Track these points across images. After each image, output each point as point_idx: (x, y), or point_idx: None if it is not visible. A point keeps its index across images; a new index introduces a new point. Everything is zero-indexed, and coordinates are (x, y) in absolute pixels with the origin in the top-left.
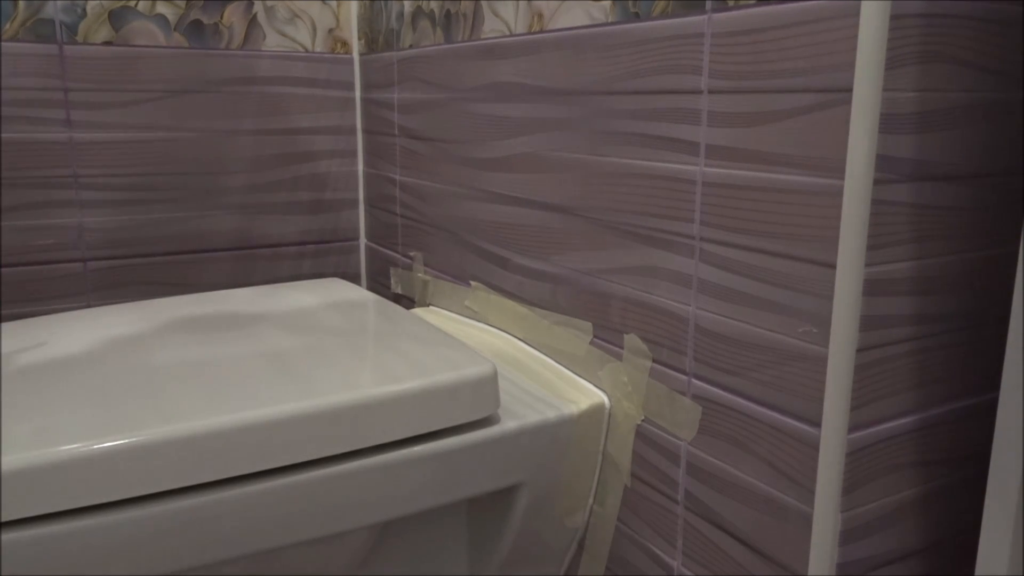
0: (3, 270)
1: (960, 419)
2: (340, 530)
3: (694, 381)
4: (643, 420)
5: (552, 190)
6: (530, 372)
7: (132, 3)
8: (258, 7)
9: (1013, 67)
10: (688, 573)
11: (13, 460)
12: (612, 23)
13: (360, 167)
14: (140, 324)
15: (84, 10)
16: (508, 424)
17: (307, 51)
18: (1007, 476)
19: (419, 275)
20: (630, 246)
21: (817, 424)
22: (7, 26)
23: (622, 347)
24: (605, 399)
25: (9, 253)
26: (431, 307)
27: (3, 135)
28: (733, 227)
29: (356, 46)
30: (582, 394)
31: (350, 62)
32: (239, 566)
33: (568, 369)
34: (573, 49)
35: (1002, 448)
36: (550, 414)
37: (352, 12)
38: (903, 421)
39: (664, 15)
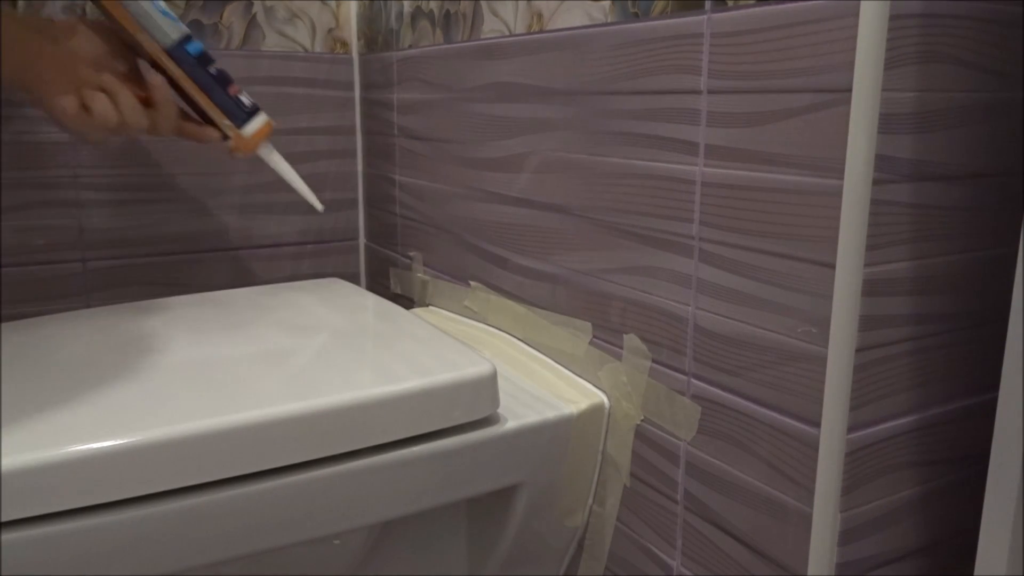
0: (3, 270)
1: (960, 419)
2: (340, 530)
3: (693, 381)
4: (642, 420)
5: (552, 190)
6: (530, 372)
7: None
8: (257, 7)
9: (1013, 67)
10: (687, 573)
11: (13, 460)
12: (611, 23)
13: (359, 167)
14: (140, 324)
15: (83, 10)
16: (508, 424)
17: (306, 51)
18: (1006, 476)
19: (418, 275)
20: (630, 246)
21: (816, 424)
22: None
23: (621, 347)
24: (604, 399)
25: (9, 253)
26: (431, 307)
27: (3, 135)
28: (732, 227)
29: (355, 46)
30: (581, 394)
31: (349, 62)
32: (239, 566)
33: (567, 369)
34: (573, 49)
35: (1001, 448)
36: (550, 414)
37: (352, 12)
38: (902, 421)
39: (663, 15)
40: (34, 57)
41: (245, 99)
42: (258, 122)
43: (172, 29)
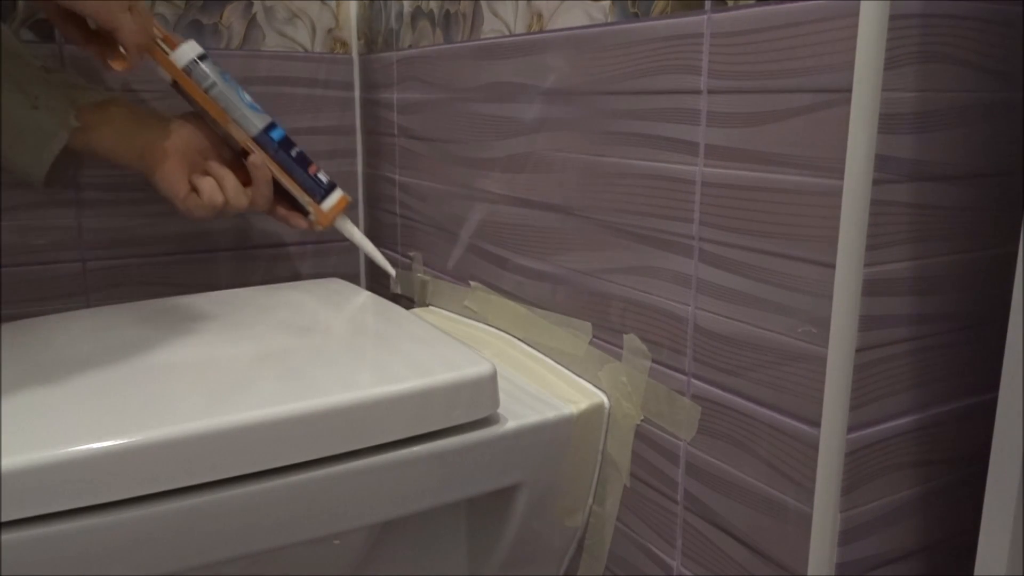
0: (3, 270)
1: (960, 419)
2: (340, 530)
3: (693, 381)
4: (642, 420)
5: (552, 190)
6: (529, 372)
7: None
8: (257, 7)
9: (1013, 67)
10: (687, 573)
11: (13, 460)
12: (611, 23)
13: (359, 167)
14: (140, 324)
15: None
16: (508, 424)
17: (306, 51)
18: (1006, 476)
19: (418, 275)
20: (629, 246)
21: (816, 424)
22: (7, 26)
23: (621, 347)
24: (604, 399)
25: (9, 253)
26: (431, 307)
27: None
28: (732, 227)
29: (355, 46)
30: (581, 394)
31: (349, 62)
32: (239, 566)
33: (567, 369)
34: (572, 49)
35: (1001, 448)
36: (549, 414)
37: (351, 12)
38: (902, 421)
39: (663, 15)
40: (149, 147)
41: (323, 176)
42: (335, 197)
43: (258, 119)
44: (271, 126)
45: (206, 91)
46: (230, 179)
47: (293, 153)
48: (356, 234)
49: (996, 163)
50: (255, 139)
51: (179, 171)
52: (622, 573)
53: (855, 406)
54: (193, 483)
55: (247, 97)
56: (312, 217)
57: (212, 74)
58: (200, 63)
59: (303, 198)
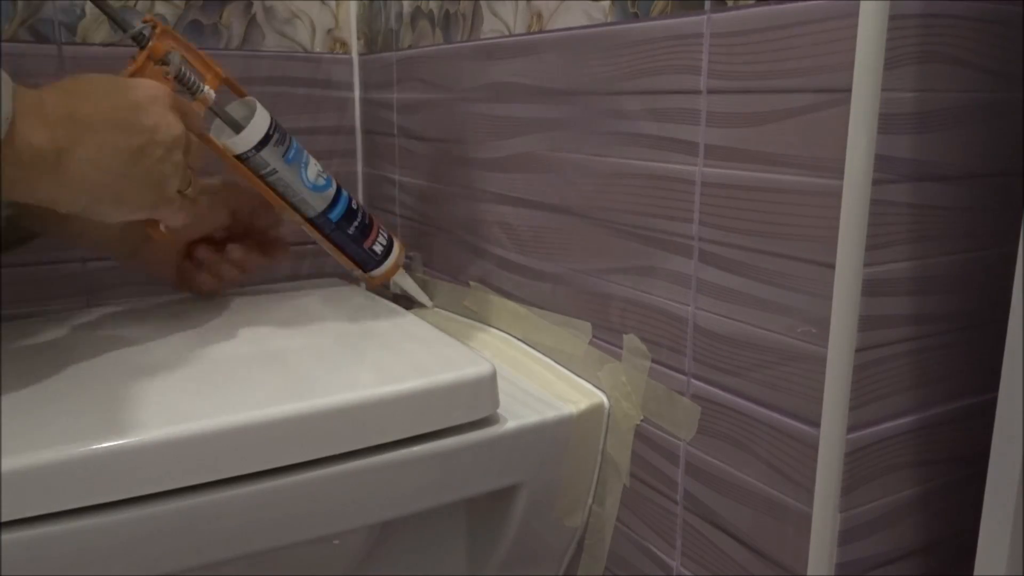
0: (3, 270)
1: (959, 419)
2: (340, 530)
3: (693, 381)
4: (642, 420)
5: (551, 190)
6: (529, 372)
7: (131, 3)
8: (257, 7)
9: (1013, 67)
10: (687, 573)
11: (13, 460)
12: (611, 23)
13: (359, 167)
14: (140, 324)
15: (83, 10)
16: (507, 424)
17: (306, 51)
18: (1006, 476)
19: (419, 275)
20: (629, 246)
21: (816, 424)
22: (6, 26)
23: (621, 347)
24: (604, 399)
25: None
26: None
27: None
28: (732, 227)
29: (355, 46)
30: (581, 394)
31: (349, 62)
32: (239, 566)
33: (567, 369)
34: (572, 49)
35: (1001, 448)
36: (549, 414)
37: (351, 12)
38: (902, 421)
39: (663, 15)
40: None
41: (383, 238)
42: (391, 260)
43: (317, 201)
44: (331, 207)
45: (263, 178)
46: (253, 259)
47: (351, 230)
48: (408, 283)
49: (996, 163)
50: (311, 220)
51: (169, 262)
52: (622, 573)
53: (855, 406)
54: (193, 483)
55: (309, 176)
56: (367, 284)
57: (272, 160)
58: (259, 151)
59: (355, 272)
